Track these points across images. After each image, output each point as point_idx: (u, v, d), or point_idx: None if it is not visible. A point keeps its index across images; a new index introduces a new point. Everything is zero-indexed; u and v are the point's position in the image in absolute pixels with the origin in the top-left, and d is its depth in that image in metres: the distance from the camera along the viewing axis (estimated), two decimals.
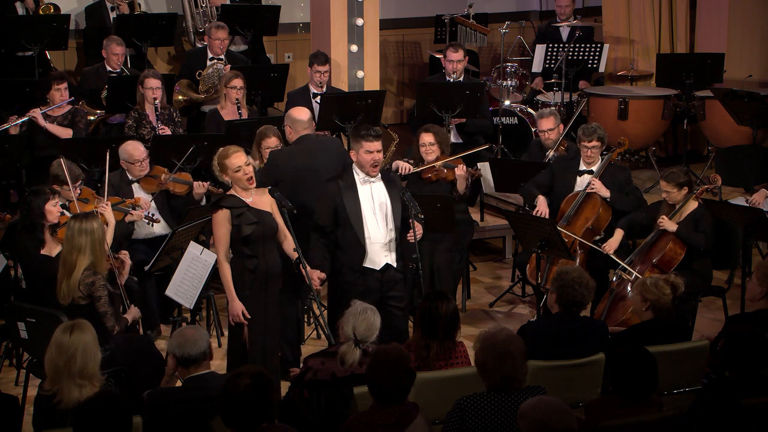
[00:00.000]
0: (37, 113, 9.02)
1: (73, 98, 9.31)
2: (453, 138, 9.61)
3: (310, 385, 5.59)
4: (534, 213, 8.07)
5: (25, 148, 8.99)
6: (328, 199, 6.80)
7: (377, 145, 6.74)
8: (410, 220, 6.70)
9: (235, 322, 6.50)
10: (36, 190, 7.08)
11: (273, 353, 6.68)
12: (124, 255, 6.79)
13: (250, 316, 6.47)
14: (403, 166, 8.15)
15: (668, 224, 7.55)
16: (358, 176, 6.79)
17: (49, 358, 5.16)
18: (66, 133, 9.02)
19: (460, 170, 8.05)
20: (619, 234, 7.76)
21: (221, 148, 6.66)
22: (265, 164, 7.60)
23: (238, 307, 6.46)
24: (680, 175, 7.64)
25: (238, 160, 6.45)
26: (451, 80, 9.94)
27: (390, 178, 6.93)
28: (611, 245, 7.70)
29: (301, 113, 7.50)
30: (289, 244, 6.61)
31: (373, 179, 6.79)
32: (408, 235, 6.71)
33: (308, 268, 6.57)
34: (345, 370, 5.56)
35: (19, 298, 7.18)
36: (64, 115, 9.22)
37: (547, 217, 7.96)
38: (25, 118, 9.03)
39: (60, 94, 9.13)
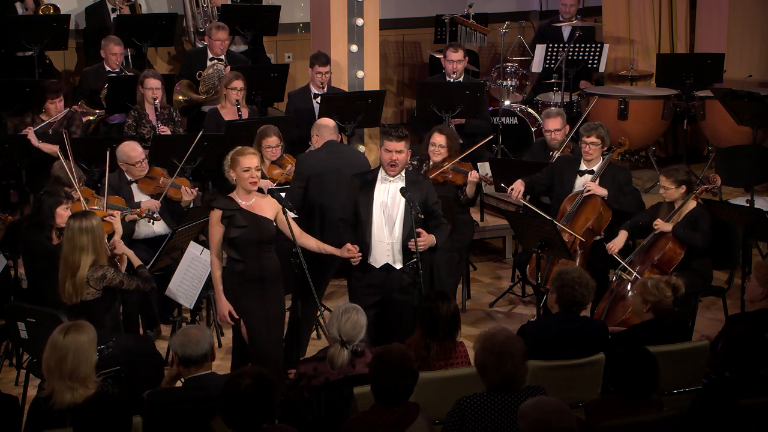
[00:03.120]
0: (30, 132, 8.99)
1: (68, 109, 9.29)
2: None
3: (306, 390, 5.61)
4: (508, 190, 8.10)
5: (25, 148, 8.98)
6: (350, 195, 6.89)
7: (397, 145, 6.74)
8: (416, 229, 6.71)
9: (223, 322, 6.52)
10: (51, 191, 7.09)
11: (276, 354, 6.67)
12: (119, 243, 6.79)
13: (237, 317, 6.48)
14: None
15: (663, 226, 7.55)
16: (381, 174, 6.82)
17: (44, 358, 5.18)
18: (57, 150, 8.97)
19: (473, 176, 8.07)
20: (623, 235, 7.72)
21: (239, 147, 6.70)
22: (295, 168, 7.80)
23: (224, 307, 6.48)
24: (681, 173, 7.63)
25: (251, 161, 6.46)
26: (451, 80, 9.94)
27: (414, 180, 6.91)
28: (616, 245, 7.67)
29: (327, 121, 7.89)
30: (307, 240, 6.69)
31: (391, 179, 6.80)
32: (410, 243, 6.72)
33: (332, 250, 6.72)
34: (337, 372, 5.56)
35: (19, 298, 7.18)
36: (60, 121, 9.19)
37: (521, 194, 8.04)
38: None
39: (55, 107, 9.10)
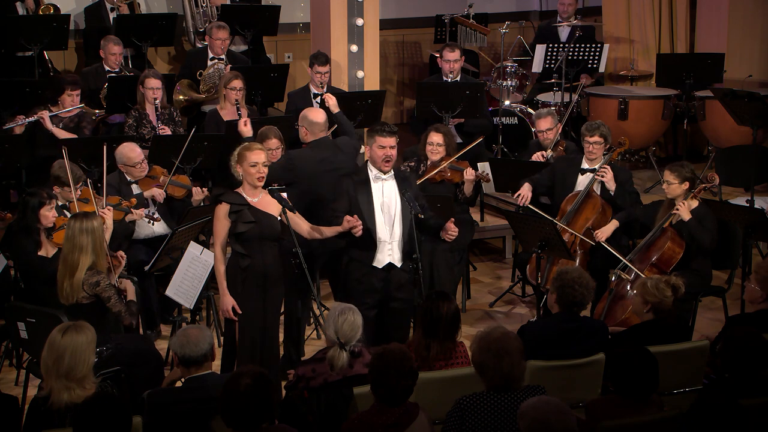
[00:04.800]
0: (45, 115, 9.02)
1: (82, 104, 9.31)
2: None
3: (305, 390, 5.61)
4: (514, 196, 8.09)
5: (25, 147, 8.98)
6: (344, 194, 6.84)
7: (391, 140, 6.76)
8: (451, 220, 6.76)
9: (225, 318, 6.51)
10: (33, 192, 7.07)
11: (273, 354, 6.67)
12: (122, 257, 6.79)
13: (241, 312, 6.47)
14: None
15: (684, 211, 7.49)
16: (372, 173, 6.81)
17: (42, 357, 5.18)
18: (71, 137, 8.95)
19: (469, 174, 8.07)
20: (613, 224, 7.74)
21: (247, 142, 6.67)
22: (284, 163, 7.66)
23: (228, 301, 6.48)
24: (686, 169, 7.61)
25: (258, 156, 6.48)
26: (449, 80, 9.93)
27: (403, 177, 6.93)
28: (603, 233, 7.68)
29: (317, 115, 7.62)
30: (302, 226, 6.67)
31: (385, 177, 6.80)
32: (443, 233, 6.75)
33: (326, 231, 6.68)
34: (336, 374, 5.56)
35: (19, 298, 7.17)
36: (71, 117, 9.22)
37: (528, 201, 8.02)
38: (33, 119, 9.03)
39: (72, 99, 9.17)
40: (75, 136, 9.02)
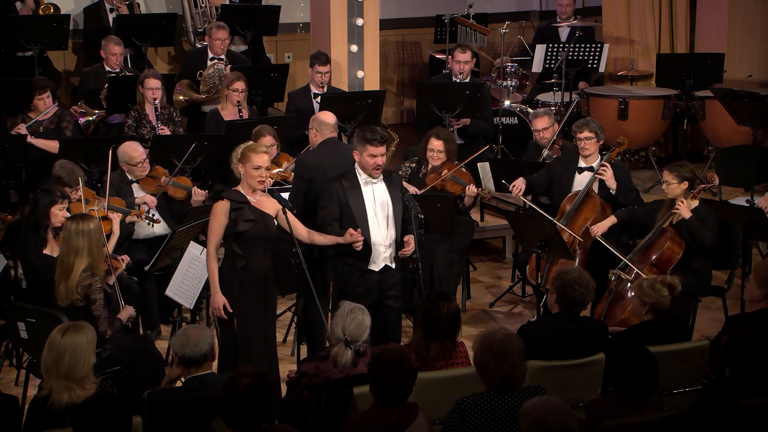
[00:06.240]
0: (22, 129, 8.98)
1: (56, 103, 9.28)
2: None
3: (306, 389, 5.61)
4: (510, 187, 8.10)
5: (23, 148, 8.98)
6: (332, 198, 6.79)
7: (382, 149, 6.75)
8: (404, 238, 6.74)
9: (218, 317, 6.48)
10: (46, 189, 7.04)
11: (272, 355, 6.67)
12: (124, 260, 6.78)
13: (232, 311, 6.44)
14: (411, 191, 8.07)
15: (684, 210, 7.48)
16: (361, 177, 6.80)
17: (42, 357, 5.18)
18: (53, 145, 8.83)
19: (471, 191, 8.07)
20: (610, 220, 7.71)
21: (251, 142, 6.63)
22: (296, 172, 7.60)
23: (219, 300, 6.43)
24: (685, 169, 7.60)
25: (262, 160, 6.44)
26: (458, 81, 9.91)
27: (391, 178, 6.93)
28: (600, 228, 7.65)
29: (327, 116, 7.60)
30: (301, 232, 6.63)
31: (375, 180, 6.80)
32: (401, 252, 6.75)
33: (331, 238, 6.64)
34: (339, 372, 5.57)
35: (19, 298, 7.17)
36: (50, 119, 9.18)
37: (522, 191, 8.04)
38: (13, 134, 9.01)
39: (43, 102, 9.10)
40: (56, 142, 8.85)
